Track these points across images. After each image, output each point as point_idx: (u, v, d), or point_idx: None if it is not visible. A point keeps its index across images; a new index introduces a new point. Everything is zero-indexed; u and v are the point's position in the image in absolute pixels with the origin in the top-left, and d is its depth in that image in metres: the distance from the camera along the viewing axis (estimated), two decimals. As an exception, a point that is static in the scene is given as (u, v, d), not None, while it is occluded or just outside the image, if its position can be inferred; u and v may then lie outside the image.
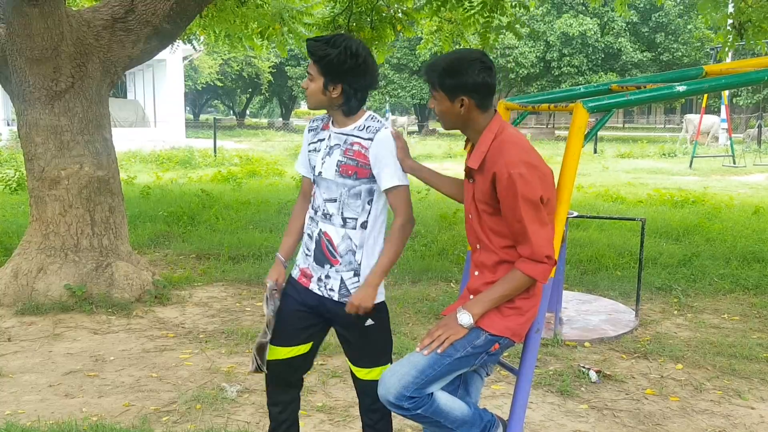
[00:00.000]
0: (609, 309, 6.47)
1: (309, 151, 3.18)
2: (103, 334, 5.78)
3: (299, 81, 49.23)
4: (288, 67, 48.98)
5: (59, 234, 6.45)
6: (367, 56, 2.98)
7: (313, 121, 3.24)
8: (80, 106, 6.41)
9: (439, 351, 2.73)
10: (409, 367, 2.74)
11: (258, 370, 3.27)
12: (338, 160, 3.03)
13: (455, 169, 20.89)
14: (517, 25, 9.13)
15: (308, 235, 3.17)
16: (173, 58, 28.23)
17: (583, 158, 21.10)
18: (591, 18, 40.23)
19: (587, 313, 6.32)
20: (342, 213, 3.05)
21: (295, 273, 3.24)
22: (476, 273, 2.89)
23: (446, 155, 26.13)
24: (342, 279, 3.08)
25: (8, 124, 25.84)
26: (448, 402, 2.84)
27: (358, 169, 3.01)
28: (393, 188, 3.00)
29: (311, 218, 3.16)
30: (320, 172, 3.08)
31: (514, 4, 9.03)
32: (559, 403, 4.53)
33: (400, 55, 42.88)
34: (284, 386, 3.33)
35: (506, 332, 2.76)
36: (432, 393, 2.78)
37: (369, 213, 3.07)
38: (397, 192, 3.01)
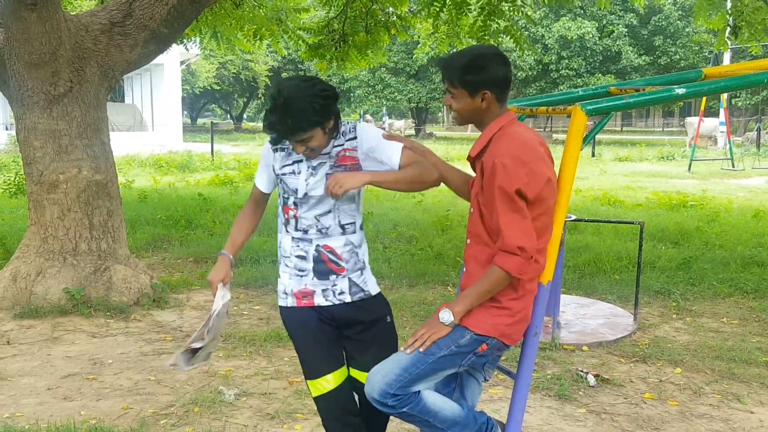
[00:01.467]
0: (607, 313, 6.47)
1: (284, 174, 3.04)
2: (101, 338, 5.77)
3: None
4: (285, 72, 49.00)
5: (58, 238, 6.45)
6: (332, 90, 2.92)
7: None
8: (78, 111, 6.41)
9: (421, 350, 2.73)
10: (393, 365, 2.76)
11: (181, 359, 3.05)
12: (326, 174, 2.97)
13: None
14: (513, 29, 9.13)
15: (298, 257, 3.03)
16: (171, 62, 28.27)
17: (581, 161, 21.13)
18: (589, 21, 40.25)
19: (585, 317, 6.32)
20: (339, 221, 3.01)
21: (290, 301, 3.08)
22: (464, 269, 2.89)
23: (444, 159, 26.12)
24: (350, 279, 3.05)
25: (7, 129, 25.85)
26: (437, 401, 2.83)
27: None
28: (402, 155, 2.96)
29: (299, 239, 3.03)
30: (306, 193, 2.99)
31: (511, 8, 9.04)
32: (557, 407, 4.52)
33: (397, 59, 42.89)
34: (345, 419, 3.16)
35: (493, 332, 2.74)
36: (418, 391, 2.77)
37: (361, 213, 3.10)
38: (405, 154, 2.97)
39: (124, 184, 13.65)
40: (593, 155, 27.26)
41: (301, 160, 3.01)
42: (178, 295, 6.91)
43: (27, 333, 5.84)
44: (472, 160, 2.83)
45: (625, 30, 41.04)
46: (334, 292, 3.03)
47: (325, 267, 3.02)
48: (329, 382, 3.09)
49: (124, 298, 6.48)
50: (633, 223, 6.73)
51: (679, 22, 41.01)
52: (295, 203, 3.02)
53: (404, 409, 2.76)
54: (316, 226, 3.00)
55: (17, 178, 13.39)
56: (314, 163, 2.99)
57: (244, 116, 67.29)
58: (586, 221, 9.40)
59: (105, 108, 6.77)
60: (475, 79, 2.70)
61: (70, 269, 6.43)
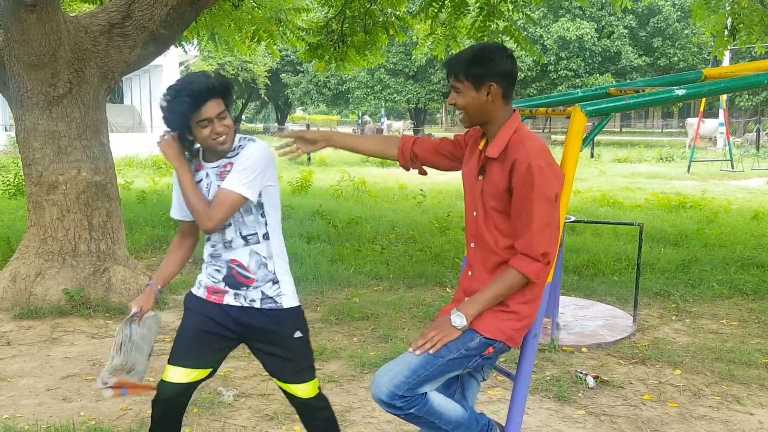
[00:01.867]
0: (606, 314, 6.47)
1: None
2: (100, 338, 5.77)
3: (295, 87, 49.31)
4: (283, 74, 48.98)
5: (57, 239, 6.45)
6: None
7: None
8: (78, 112, 6.41)
9: (431, 352, 2.73)
10: (402, 366, 2.75)
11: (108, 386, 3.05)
12: (217, 186, 3.00)
13: (450, 173, 20.86)
14: (514, 30, 9.13)
15: (215, 269, 3.10)
16: (169, 63, 28.26)
17: (580, 163, 21.12)
18: (588, 22, 40.24)
19: (584, 319, 6.32)
20: (240, 233, 3.04)
21: (200, 292, 3.14)
22: (469, 273, 2.88)
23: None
24: (262, 292, 3.07)
25: (6, 130, 25.84)
26: (442, 403, 2.84)
27: None
28: (227, 191, 2.94)
29: (212, 255, 3.10)
30: None
31: (511, 9, 9.04)
32: (556, 408, 4.52)
33: (395, 60, 42.86)
34: (177, 414, 3.17)
35: (501, 336, 2.76)
36: (425, 393, 2.78)
37: (266, 224, 3.08)
38: (225, 195, 2.94)
39: (123, 186, 13.65)
40: (592, 156, 27.29)
41: (201, 180, 3.06)
42: (177, 296, 6.90)
43: (26, 334, 5.84)
44: (486, 160, 2.79)
45: (625, 31, 41.04)
46: (245, 298, 3.08)
47: (235, 280, 3.07)
48: (180, 374, 3.06)
49: (123, 299, 6.48)
50: (632, 224, 6.72)
51: (677, 23, 41.03)
52: None
53: (411, 411, 2.76)
54: (222, 240, 3.06)
55: (17, 179, 13.38)
56: (211, 179, 3.04)
57: (243, 117, 67.23)
58: (585, 222, 9.40)
59: (104, 109, 6.77)
60: (481, 71, 2.69)
61: (70, 270, 6.42)
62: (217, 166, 3.03)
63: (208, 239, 3.12)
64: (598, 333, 5.92)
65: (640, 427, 4.27)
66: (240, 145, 3.05)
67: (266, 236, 3.09)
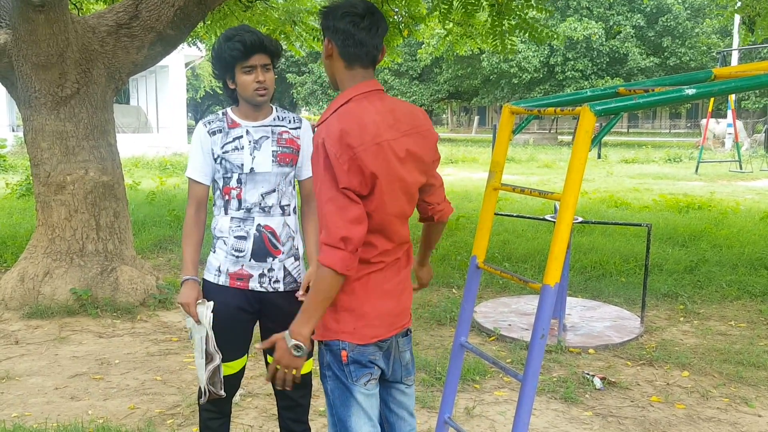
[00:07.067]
0: (614, 315, 6.45)
1: (226, 152, 3.02)
2: (108, 338, 5.78)
3: (300, 87, 49.35)
4: (289, 74, 49.03)
5: (65, 238, 6.47)
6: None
7: (209, 123, 3.08)
8: (85, 112, 6.42)
9: (288, 388, 2.45)
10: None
11: (212, 395, 3.08)
12: (273, 151, 3.04)
13: (456, 174, 20.88)
14: (527, 27, 9.06)
15: (237, 237, 3.03)
16: (175, 64, 28.30)
17: (588, 164, 21.03)
18: (596, 22, 40.08)
19: (592, 320, 6.31)
20: (280, 202, 3.08)
21: (222, 280, 3.08)
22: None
23: (447, 160, 26.14)
24: (285, 268, 3.10)
25: (13, 130, 25.90)
26: None
27: (293, 156, 3.09)
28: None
29: (240, 219, 3.04)
30: (252, 168, 3.02)
31: (522, 6, 9.01)
32: (563, 409, 4.51)
33: (400, 60, 42.79)
34: (230, 397, 3.26)
35: (343, 336, 2.45)
36: None
37: (295, 198, 3.17)
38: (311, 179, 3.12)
39: (130, 186, 13.68)
40: (599, 157, 27.22)
41: (241, 136, 3.05)
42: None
43: (35, 333, 5.86)
44: None
45: (632, 31, 40.84)
46: (270, 279, 3.08)
47: (264, 248, 3.05)
48: (236, 365, 3.20)
49: (130, 298, 6.50)
50: (640, 225, 6.69)
51: (687, 22, 40.76)
52: (239, 180, 3.04)
53: None
54: (260, 204, 3.05)
55: (27, 179, 13.43)
56: (256, 137, 3.05)
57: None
58: (592, 223, 9.38)
59: (112, 109, 6.79)
60: (323, 22, 2.44)
61: (77, 270, 6.44)
62: (266, 126, 3.07)
63: (236, 205, 3.04)
64: (605, 334, 5.91)
65: (647, 429, 4.26)
66: (284, 116, 3.13)
67: (295, 211, 3.16)
